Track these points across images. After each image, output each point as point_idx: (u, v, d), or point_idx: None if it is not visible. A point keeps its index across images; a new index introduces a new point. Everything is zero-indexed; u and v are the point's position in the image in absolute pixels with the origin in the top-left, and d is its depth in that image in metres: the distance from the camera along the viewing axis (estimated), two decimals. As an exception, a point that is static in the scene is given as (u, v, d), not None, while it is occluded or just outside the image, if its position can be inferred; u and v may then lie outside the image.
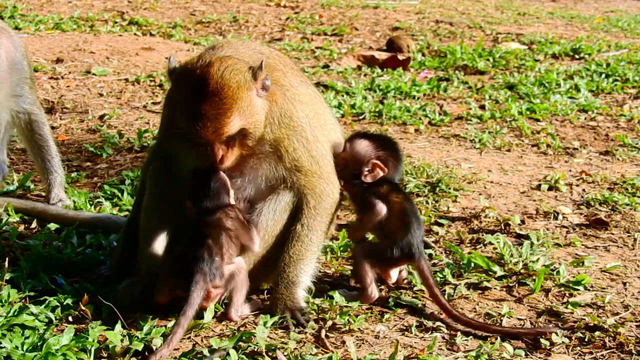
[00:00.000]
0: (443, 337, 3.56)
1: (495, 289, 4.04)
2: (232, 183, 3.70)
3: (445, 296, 3.89)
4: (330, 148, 3.89)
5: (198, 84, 3.50)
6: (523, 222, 4.94)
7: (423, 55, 10.48)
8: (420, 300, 3.87)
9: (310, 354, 3.31)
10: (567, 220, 5.01)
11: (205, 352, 3.26)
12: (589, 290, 4.05)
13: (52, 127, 6.59)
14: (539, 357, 3.43)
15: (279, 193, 3.75)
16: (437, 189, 5.39)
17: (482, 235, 4.66)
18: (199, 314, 3.59)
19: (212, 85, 3.48)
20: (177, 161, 3.83)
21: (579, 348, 3.50)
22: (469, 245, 4.59)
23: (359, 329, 3.58)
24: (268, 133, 3.66)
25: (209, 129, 3.49)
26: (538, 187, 5.59)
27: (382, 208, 3.83)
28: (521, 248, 4.34)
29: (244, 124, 3.53)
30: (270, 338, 3.46)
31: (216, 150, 3.56)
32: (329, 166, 3.84)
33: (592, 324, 3.65)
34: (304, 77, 4.02)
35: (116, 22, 11.53)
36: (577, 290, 4.02)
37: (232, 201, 3.71)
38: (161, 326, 3.45)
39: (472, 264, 4.16)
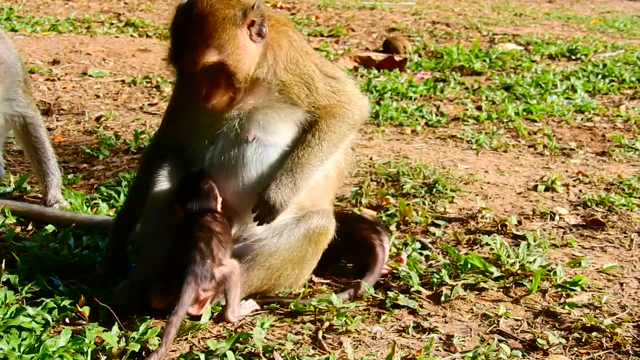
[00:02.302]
0: (440, 338, 3.56)
1: (492, 289, 4.04)
2: (250, 149, 3.70)
3: (442, 297, 3.89)
4: (344, 76, 3.95)
5: (186, 12, 3.61)
6: (520, 222, 4.94)
7: (420, 56, 10.49)
8: (417, 301, 3.87)
9: (308, 355, 3.31)
10: (564, 220, 5.01)
11: (202, 357, 3.26)
12: (585, 290, 4.06)
13: (49, 129, 6.57)
14: (536, 358, 3.43)
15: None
16: (434, 190, 5.39)
17: (479, 236, 4.66)
18: (196, 317, 3.60)
19: (196, 14, 3.56)
20: (181, 145, 3.88)
21: (576, 349, 3.50)
22: (465, 246, 4.59)
23: (356, 330, 3.58)
24: (271, 76, 3.69)
25: (186, 55, 3.57)
26: (535, 188, 5.60)
27: None
28: (518, 249, 4.34)
29: (222, 58, 3.54)
30: (268, 339, 3.46)
31: (199, 83, 3.60)
32: (346, 92, 3.89)
33: (589, 325, 3.66)
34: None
35: (112, 24, 11.52)
36: (574, 290, 4.02)
37: (219, 208, 3.72)
38: (157, 327, 3.45)
39: (469, 265, 4.16)
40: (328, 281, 4.14)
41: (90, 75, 8.40)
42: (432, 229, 4.81)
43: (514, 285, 4.07)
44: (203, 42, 3.54)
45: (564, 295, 4.00)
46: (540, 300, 3.96)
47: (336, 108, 3.83)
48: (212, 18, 3.54)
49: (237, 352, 3.29)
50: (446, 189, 5.39)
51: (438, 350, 3.47)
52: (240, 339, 3.37)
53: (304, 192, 3.76)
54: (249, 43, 3.62)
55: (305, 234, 3.77)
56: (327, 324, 3.60)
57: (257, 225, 3.72)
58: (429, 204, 5.18)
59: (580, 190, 5.59)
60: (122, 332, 3.41)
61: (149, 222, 3.89)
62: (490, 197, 5.39)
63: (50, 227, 4.62)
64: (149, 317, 3.54)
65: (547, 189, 5.58)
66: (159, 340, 3.31)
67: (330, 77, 3.85)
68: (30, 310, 3.48)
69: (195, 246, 3.54)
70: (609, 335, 3.57)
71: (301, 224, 3.78)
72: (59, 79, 8.27)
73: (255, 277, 3.74)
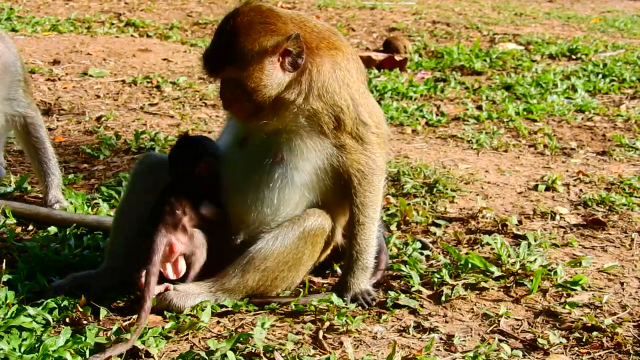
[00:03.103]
0: (440, 338, 3.56)
1: (492, 289, 4.04)
2: (275, 169, 3.70)
3: (443, 297, 3.89)
4: (375, 123, 3.85)
5: (226, 20, 3.62)
6: (520, 222, 4.94)
7: (420, 56, 10.49)
8: (417, 301, 3.87)
9: (308, 355, 3.31)
10: (565, 220, 5.01)
11: (203, 357, 3.26)
12: (586, 290, 4.05)
13: (49, 129, 6.58)
14: (537, 358, 3.43)
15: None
16: (434, 189, 5.39)
17: (480, 235, 4.66)
18: (196, 315, 3.60)
19: (232, 25, 3.56)
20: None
21: (576, 348, 3.50)
22: (466, 245, 4.59)
23: (356, 329, 3.58)
24: (302, 100, 3.64)
25: (209, 61, 3.62)
26: (535, 188, 5.60)
27: None
28: (518, 248, 4.34)
29: (240, 76, 3.55)
30: (268, 339, 3.46)
31: (222, 89, 3.66)
32: (371, 142, 3.81)
33: (589, 324, 3.66)
34: (365, 81, 3.99)
35: (113, 24, 11.52)
36: (575, 290, 4.02)
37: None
38: (157, 327, 3.46)
39: (470, 265, 4.16)
40: (328, 281, 4.14)
41: (90, 75, 8.40)
42: (432, 228, 4.81)
43: (514, 285, 4.07)
44: (225, 55, 3.55)
45: (565, 295, 4.00)
46: (540, 300, 3.96)
47: (361, 156, 3.78)
48: (244, 36, 3.52)
49: (237, 352, 3.29)
50: (447, 189, 5.39)
51: (439, 350, 3.47)
52: (241, 338, 3.37)
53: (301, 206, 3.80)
54: (277, 70, 3.59)
55: (301, 236, 3.75)
56: (327, 323, 3.60)
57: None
58: (429, 204, 5.18)
59: (580, 190, 5.59)
60: (121, 331, 3.42)
61: (124, 202, 4.06)
62: (490, 197, 5.39)
63: (51, 228, 4.61)
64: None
65: (547, 189, 5.58)
66: (159, 339, 3.32)
67: (361, 121, 3.74)
68: (30, 310, 3.48)
69: (166, 202, 3.68)
70: (610, 335, 3.57)
71: (296, 226, 3.75)
72: (59, 79, 8.27)
73: (250, 279, 3.73)
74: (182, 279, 3.76)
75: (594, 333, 3.59)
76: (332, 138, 3.71)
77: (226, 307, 3.72)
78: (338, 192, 3.82)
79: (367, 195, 3.82)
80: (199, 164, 3.83)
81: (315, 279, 4.14)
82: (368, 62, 9.70)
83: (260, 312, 3.74)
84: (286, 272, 3.78)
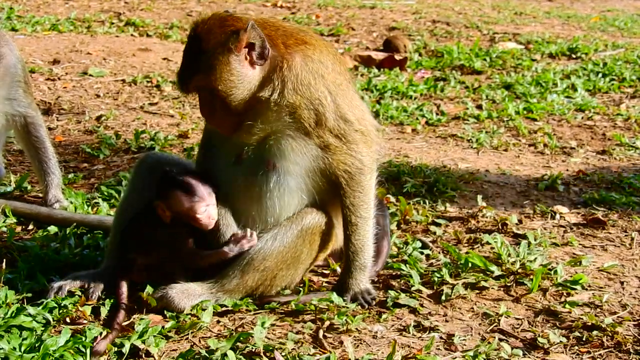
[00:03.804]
0: (441, 337, 3.56)
1: (492, 288, 4.04)
2: (270, 177, 3.68)
3: (443, 296, 3.89)
4: (357, 119, 3.77)
5: (189, 34, 3.65)
6: (520, 221, 4.94)
7: (420, 55, 10.49)
8: (417, 300, 3.87)
9: (308, 354, 3.31)
10: (565, 219, 5.01)
11: (203, 356, 3.26)
12: (586, 289, 4.06)
13: (49, 129, 6.58)
14: (537, 357, 3.43)
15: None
16: (435, 189, 5.39)
17: (480, 235, 4.66)
18: (197, 315, 3.60)
19: (193, 36, 3.59)
20: (209, 164, 3.91)
21: (576, 347, 3.50)
22: (466, 245, 4.59)
23: (356, 329, 3.58)
24: (277, 96, 3.59)
25: (179, 77, 3.66)
26: (535, 187, 5.60)
27: None
28: (518, 248, 4.34)
29: (210, 83, 3.54)
30: (268, 338, 3.46)
31: (200, 103, 3.69)
32: (355, 139, 3.76)
33: (589, 324, 3.66)
34: (347, 73, 3.89)
35: (113, 23, 11.52)
36: (575, 289, 4.02)
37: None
38: (158, 326, 3.46)
39: (470, 264, 4.16)
40: (329, 280, 4.14)
41: (90, 75, 8.40)
42: (432, 227, 4.81)
43: (514, 284, 4.07)
44: (192, 66, 3.57)
45: (565, 294, 4.00)
46: (540, 299, 3.96)
47: (346, 156, 3.75)
48: (205, 42, 3.53)
49: (237, 352, 3.29)
50: (447, 188, 5.39)
51: (439, 349, 3.47)
52: (241, 338, 3.37)
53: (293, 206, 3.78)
54: (246, 67, 3.57)
55: (299, 234, 3.74)
56: (327, 323, 3.60)
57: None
58: (429, 203, 5.18)
59: (580, 189, 5.59)
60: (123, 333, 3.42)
61: (124, 202, 4.09)
62: (490, 196, 5.39)
63: (52, 228, 4.61)
64: (147, 315, 3.55)
65: (547, 188, 5.58)
66: (159, 338, 3.33)
67: (341, 116, 3.68)
68: (31, 309, 3.48)
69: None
70: (610, 334, 3.57)
71: (294, 225, 3.74)
72: (59, 78, 8.26)
73: (250, 279, 3.73)
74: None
75: (594, 332, 3.59)
76: (316, 138, 3.66)
77: (226, 306, 3.72)
78: (332, 191, 3.82)
79: (356, 195, 3.81)
80: (158, 207, 3.81)
81: (315, 278, 4.14)
82: (368, 61, 9.71)
83: (260, 311, 3.74)
84: (285, 270, 3.78)
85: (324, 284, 4.09)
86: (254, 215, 3.77)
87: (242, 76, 3.57)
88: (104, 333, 3.38)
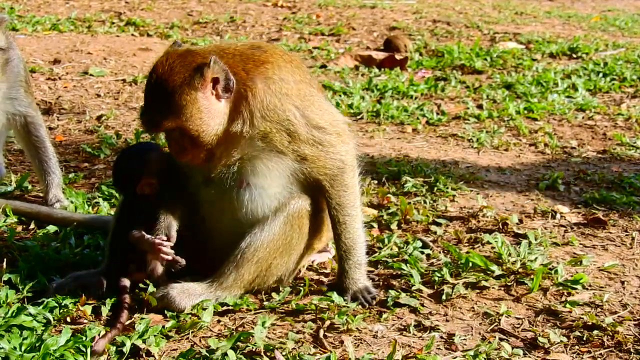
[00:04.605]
0: (441, 337, 3.56)
1: (493, 288, 4.04)
2: (243, 195, 3.69)
3: (444, 295, 3.89)
4: (330, 122, 3.77)
5: (150, 75, 3.58)
6: (521, 221, 4.94)
7: (420, 54, 10.49)
8: (418, 299, 3.87)
9: (309, 354, 3.31)
10: (565, 219, 5.01)
11: (203, 356, 3.26)
12: (587, 289, 4.05)
13: (50, 128, 6.58)
14: (537, 357, 3.43)
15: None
16: (435, 188, 5.39)
17: (480, 234, 4.66)
18: (197, 314, 3.61)
19: (156, 78, 3.54)
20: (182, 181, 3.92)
21: (577, 347, 3.50)
22: (466, 244, 4.59)
23: (357, 328, 3.58)
24: (248, 128, 3.59)
25: (145, 120, 3.61)
26: (536, 186, 5.60)
27: None
28: (519, 247, 4.34)
29: (181, 124, 3.53)
30: (269, 338, 3.46)
31: (168, 141, 3.66)
32: (331, 142, 3.75)
33: (590, 323, 3.65)
34: (308, 76, 3.90)
35: (113, 23, 11.52)
36: (575, 289, 4.02)
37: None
38: (158, 326, 3.46)
39: (470, 264, 4.16)
40: (329, 279, 4.14)
41: (91, 75, 8.41)
42: (433, 227, 4.81)
43: (515, 284, 4.07)
44: (159, 109, 3.54)
45: (565, 293, 4.00)
46: (541, 298, 3.96)
47: (326, 161, 3.74)
48: (169, 84, 3.50)
49: (238, 351, 3.29)
50: (447, 188, 5.39)
51: (439, 348, 3.47)
52: (242, 337, 3.37)
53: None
54: (213, 103, 3.56)
55: (285, 221, 3.74)
56: (328, 322, 3.60)
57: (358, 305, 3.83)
58: (430, 203, 5.18)
59: (581, 189, 5.59)
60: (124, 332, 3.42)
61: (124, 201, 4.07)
62: (491, 196, 5.39)
63: (51, 227, 4.61)
64: (147, 315, 3.55)
65: (548, 188, 5.58)
66: (159, 337, 3.33)
67: (314, 125, 3.69)
68: (31, 309, 3.48)
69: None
70: (610, 334, 3.57)
71: (279, 213, 3.74)
72: (60, 78, 8.27)
73: (246, 272, 3.74)
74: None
75: (595, 332, 3.59)
76: (291, 153, 3.67)
77: (227, 305, 3.73)
78: (314, 187, 3.82)
79: (341, 194, 3.81)
80: (140, 182, 3.84)
81: (316, 277, 4.14)
82: (368, 61, 9.71)
83: (260, 311, 3.74)
84: (279, 259, 3.79)
85: (325, 283, 4.09)
86: (230, 227, 3.79)
87: (211, 112, 3.56)
88: (103, 332, 3.38)
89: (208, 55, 3.54)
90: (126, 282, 3.75)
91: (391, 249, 4.41)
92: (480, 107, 7.82)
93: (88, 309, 3.59)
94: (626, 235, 4.79)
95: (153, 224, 3.76)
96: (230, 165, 3.68)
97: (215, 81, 3.54)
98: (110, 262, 3.87)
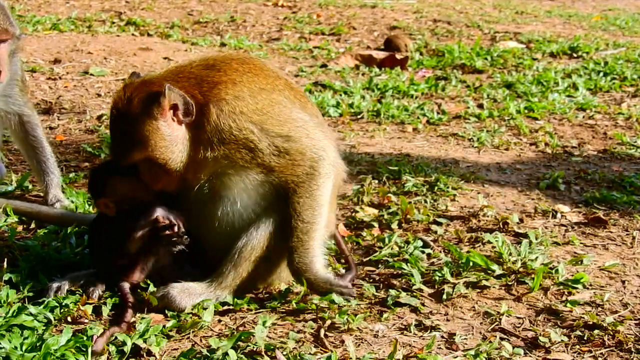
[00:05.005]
0: (442, 336, 3.56)
1: (494, 287, 4.04)
2: (219, 205, 3.71)
3: (444, 295, 3.89)
4: (296, 129, 3.72)
5: (111, 109, 3.63)
6: (522, 220, 4.94)
7: (421, 54, 10.49)
8: (419, 299, 3.87)
9: (309, 354, 3.31)
10: (566, 218, 5.01)
11: (204, 355, 3.26)
12: (587, 288, 4.05)
13: (50, 128, 6.59)
14: (538, 356, 3.43)
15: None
16: (436, 187, 5.39)
17: (481, 234, 4.66)
18: (198, 314, 3.61)
19: (116, 112, 3.59)
20: None
21: (578, 346, 3.50)
22: (467, 244, 4.59)
23: (357, 328, 3.58)
24: (209, 152, 3.61)
25: (114, 154, 3.69)
26: (536, 186, 5.60)
27: None
28: (520, 247, 4.34)
29: (147, 154, 3.57)
30: (270, 338, 3.46)
31: (140, 171, 3.68)
32: (299, 149, 3.69)
33: (591, 323, 3.65)
34: (271, 79, 3.84)
35: (114, 23, 11.52)
36: (576, 288, 4.02)
37: None
38: (159, 325, 3.46)
39: (471, 263, 4.15)
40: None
41: (91, 74, 8.41)
42: (433, 227, 4.80)
43: (515, 283, 4.07)
44: (125, 141, 3.59)
45: (566, 293, 3.99)
46: (542, 298, 3.95)
47: (295, 168, 3.70)
48: (130, 117, 3.55)
49: (238, 351, 3.29)
50: (448, 187, 5.39)
51: (440, 348, 3.47)
52: (242, 337, 3.37)
53: None
54: (176, 129, 3.59)
55: (281, 218, 3.77)
56: (328, 322, 3.60)
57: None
58: (430, 202, 5.18)
59: (582, 188, 5.59)
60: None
61: None
62: (491, 195, 5.39)
63: (52, 227, 4.61)
64: (148, 314, 3.56)
65: (548, 187, 5.58)
66: (160, 337, 3.33)
67: (276, 135, 3.65)
68: (32, 309, 3.48)
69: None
70: (611, 333, 3.57)
71: (272, 212, 3.77)
72: (60, 77, 8.27)
73: (244, 270, 3.75)
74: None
75: (596, 331, 3.58)
76: (256, 167, 3.65)
77: (228, 304, 3.73)
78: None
79: (302, 201, 3.73)
80: (99, 201, 3.86)
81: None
82: (369, 60, 9.71)
83: (261, 310, 3.74)
84: (278, 256, 3.82)
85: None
86: (215, 235, 3.80)
87: (175, 138, 3.60)
88: (101, 331, 3.38)
89: (163, 83, 3.57)
90: (126, 284, 3.75)
91: (392, 249, 4.41)
92: (480, 106, 7.82)
93: (89, 309, 3.60)
94: (627, 234, 4.78)
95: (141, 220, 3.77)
96: (202, 182, 3.70)
97: (174, 107, 3.58)
98: (97, 268, 3.89)
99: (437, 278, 4.04)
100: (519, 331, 3.64)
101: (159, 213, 3.75)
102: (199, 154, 3.63)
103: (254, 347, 3.32)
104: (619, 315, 3.76)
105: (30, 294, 3.71)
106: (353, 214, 4.94)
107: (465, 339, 3.53)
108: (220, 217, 3.74)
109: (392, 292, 3.90)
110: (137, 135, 3.55)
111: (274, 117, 3.69)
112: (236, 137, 3.60)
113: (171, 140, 3.59)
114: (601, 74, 9.31)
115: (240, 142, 3.60)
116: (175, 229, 3.71)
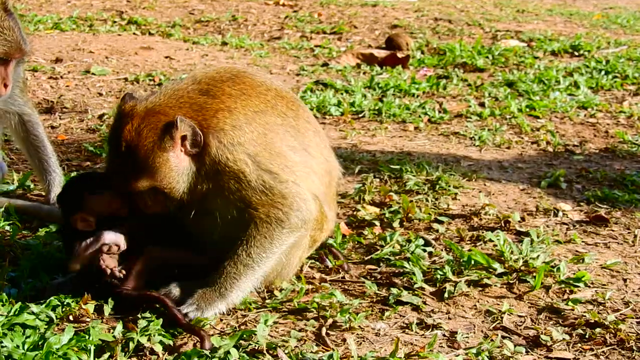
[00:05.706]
0: (444, 335, 3.57)
1: (495, 286, 4.04)
2: (206, 223, 3.72)
3: (446, 293, 3.89)
4: (285, 171, 3.72)
5: (116, 136, 3.59)
6: (523, 219, 4.94)
7: (422, 53, 10.48)
8: (420, 297, 3.87)
9: (311, 352, 3.32)
10: (567, 217, 5.01)
11: (206, 354, 3.26)
12: (589, 287, 4.05)
13: (52, 127, 6.60)
14: (540, 354, 3.43)
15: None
16: (437, 186, 5.39)
17: (482, 232, 4.66)
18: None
19: (124, 141, 3.55)
20: None
21: (579, 345, 3.50)
22: (469, 242, 4.59)
23: (359, 326, 3.58)
24: (202, 182, 3.63)
25: (117, 183, 3.64)
26: (538, 184, 5.59)
27: None
28: (521, 245, 4.34)
29: (154, 184, 3.58)
30: (271, 336, 3.46)
31: (137, 198, 3.67)
32: (282, 192, 3.67)
33: (592, 321, 3.65)
34: (265, 98, 3.83)
35: (115, 22, 11.52)
36: (578, 287, 4.02)
37: None
38: (159, 321, 3.46)
39: (472, 261, 4.16)
40: (331, 278, 4.14)
41: (93, 73, 8.41)
42: (435, 225, 4.80)
43: (517, 282, 4.07)
44: (133, 172, 3.57)
45: (568, 291, 4.00)
46: (543, 296, 3.96)
47: (270, 209, 3.67)
48: (141, 149, 3.53)
49: (240, 349, 3.30)
50: (449, 186, 5.39)
51: (442, 346, 3.47)
52: (244, 336, 3.37)
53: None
54: (183, 159, 3.61)
55: None
56: (330, 320, 3.60)
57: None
58: (432, 201, 5.18)
59: (583, 187, 5.59)
60: (125, 329, 3.42)
61: None
62: (493, 194, 5.39)
63: (54, 226, 4.62)
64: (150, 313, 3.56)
65: (550, 185, 5.57)
66: (161, 334, 3.33)
67: (266, 170, 3.65)
68: (34, 307, 3.48)
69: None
70: (613, 331, 3.57)
71: None
72: (61, 77, 8.27)
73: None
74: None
75: (597, 329, 3.59)
76: (238, 200, 3.63)
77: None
78: None
79: (257, 242, 3.68)
80: (74, 216, 3.83)
81: (317, 275, 4.14)
82: (370, 59, 9.70)
83: (263, 309, 3.74)
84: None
85: (326, 282, 4.09)
86: (208, 244, 3.81)
87: (182, 168, 3.61)
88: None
89: (170, 113, 3.57)
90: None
91: (393, 247, 4.41)
92: (482, 105, 7.82)
93: (90, 307, 3.59)
94: (628, 232, 4.78)
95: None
96: (191, 203, 3.71)
97: (183, 138, 3.58)
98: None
99: (438, 276, 4.04)
100: (520, 329, 3.64)
101: (108, 238, 3.73)
102: (198, 184, 3.64)
103: (255, 346, 3.32)
104: (621, 314, 3.76)
105: (32, 293, 3.71)
106: (354, 213, 4.94)
107: (466, 337, 3.54)
108: (205, 232, 3.76)
109: (394, 290, 3.90)
110: (146, 166, 3.55)
111: (267, 148, 3.69)
112: (230, 167, 3.61)
113: (178, 170, 3.60)
114: (602, 72, 9.31)
115: (232, 172, 3.61)
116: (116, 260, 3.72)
